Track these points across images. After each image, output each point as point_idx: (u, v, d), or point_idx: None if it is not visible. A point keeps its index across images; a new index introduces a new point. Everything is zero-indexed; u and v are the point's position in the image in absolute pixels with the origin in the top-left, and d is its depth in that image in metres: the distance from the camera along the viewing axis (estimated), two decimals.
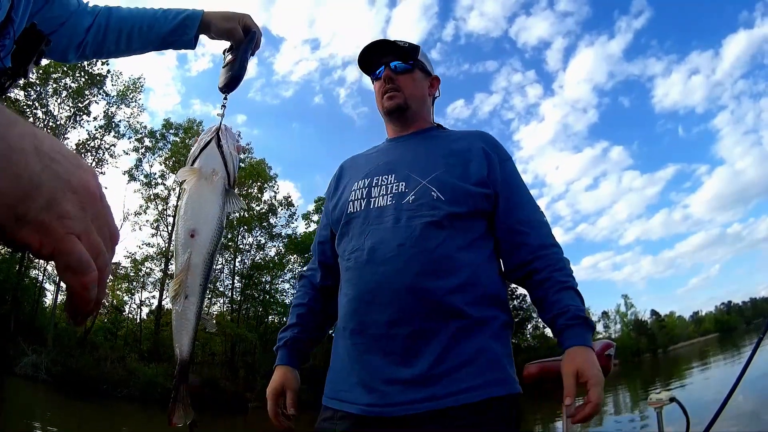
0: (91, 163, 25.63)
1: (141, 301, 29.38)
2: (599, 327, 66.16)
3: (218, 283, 30.30)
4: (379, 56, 1.63)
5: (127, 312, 29.97)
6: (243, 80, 1.25)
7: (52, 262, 0.39)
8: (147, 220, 28.36)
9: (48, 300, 25.77)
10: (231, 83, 1.24)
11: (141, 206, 28.39)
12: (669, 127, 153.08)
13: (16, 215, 0.36)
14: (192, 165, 1.03)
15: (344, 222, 1.50)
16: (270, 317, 33.10)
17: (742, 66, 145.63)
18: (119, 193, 53.45)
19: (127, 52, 1.33)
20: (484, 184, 1.44)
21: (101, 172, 26.28)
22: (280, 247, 34.03)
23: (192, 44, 1.37)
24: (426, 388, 1.24)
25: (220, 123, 1.08)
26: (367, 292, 1.36)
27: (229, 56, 1.30)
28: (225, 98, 1.21)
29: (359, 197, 1.49)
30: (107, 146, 26.33)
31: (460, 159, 1.48)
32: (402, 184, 1.44)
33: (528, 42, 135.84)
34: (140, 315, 29.71)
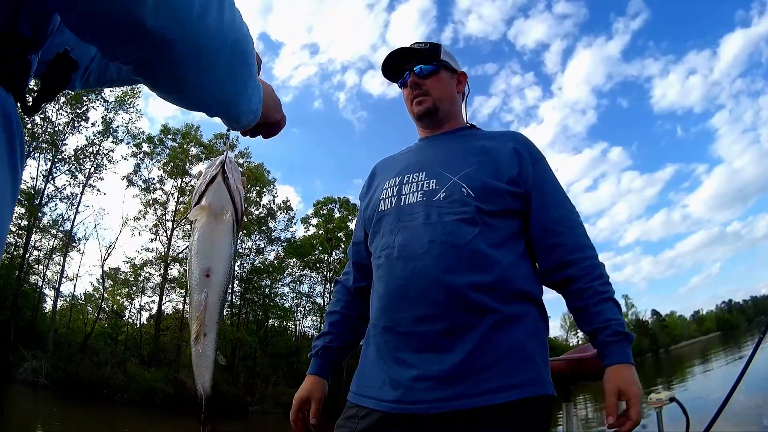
0: (90, 169, 25.65)
1: (141, 305, 29.22)
2: None
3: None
4: (402, 63, 1.62)
5: (127, 317, 29.87)
6: None
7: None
8: (146, 225, 28.28)
9: (48, 306, 25.77)
10: None
11: (140, 211, 28.33)
12: (667, 128, 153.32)
13: (276, 106, 0.93)
14: (199, 201, 1.02)
15: (376, 220, 1.50)
16: (270, 321, 33.12)
17: (740, 65, 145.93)
18: (118, 198, 53.93)
19: (129, 81, 1.32)
20: (514, 183, 1.43)
21: (100, 178, 26.33)
22: (279, 251, 34.05)
23: None
24: (454, 386, 1.23)
25: (225, 156, 1.06)
26: (397, 288, 1.35)
27: None
28: (228, 130, 1.19)
29: (390, 195, 1.49)
30: (105, 152, 26.29)
31: (491, 157, 1.46)
32: (432, 182, 1.43)
33: (526, 44, 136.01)
34: (140, 320, 29.62)
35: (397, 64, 1.63)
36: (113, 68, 1.26)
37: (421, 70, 1.58)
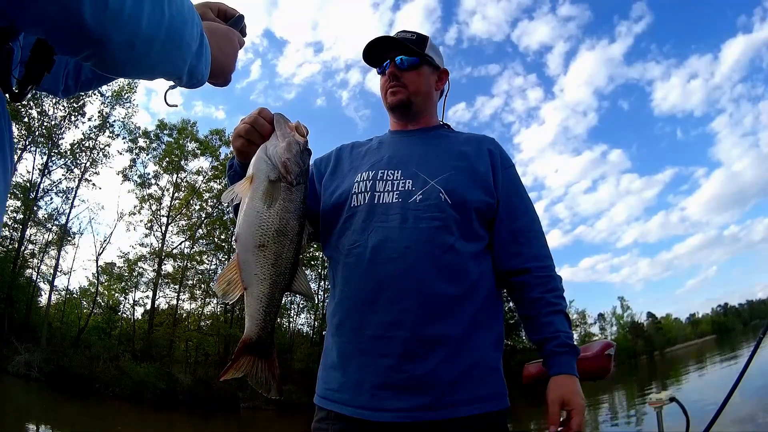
0: (86, 163, 25.55)
1: (134, 300, 29.14)
2: (595, 329, 66.13)
3: (211, 284, 30.15)
4: (385, 50, 1.58)
5: (121, 312, 29.74)
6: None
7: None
8: (141, 220, 28.17)
9: (42, 299, 25.63)
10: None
11: (135, 206, 28.26)
12: (667, 131, 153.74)
13: (227, 61, 0.97)
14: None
15: (347, 216, 1.42)
16: None
17: (741, 70, 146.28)
18: (113, 193, 53.82)
19: (99, 78, 1.24)
20: (488, 191, 1.43)
21: (95, 172, 26.21)
22: None
23: None
24: (421, 396, 1.22)
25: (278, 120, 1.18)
26: (368, 291, 1.32)
27: None
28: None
29: (363, 190, 1.43)
30: (102, 146, 26.21)
31: (468, 163, 1.45)
32: (409, 182, 1.40)
33: (530, 46, 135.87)
34: (134, 315, 29.53)
35: (380, 51, 1.59)
36: (86, 68, 1.21)
37: (402, 61, 1.55)
